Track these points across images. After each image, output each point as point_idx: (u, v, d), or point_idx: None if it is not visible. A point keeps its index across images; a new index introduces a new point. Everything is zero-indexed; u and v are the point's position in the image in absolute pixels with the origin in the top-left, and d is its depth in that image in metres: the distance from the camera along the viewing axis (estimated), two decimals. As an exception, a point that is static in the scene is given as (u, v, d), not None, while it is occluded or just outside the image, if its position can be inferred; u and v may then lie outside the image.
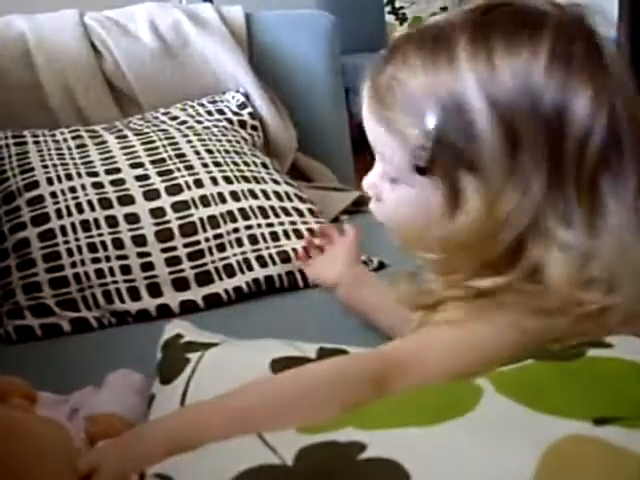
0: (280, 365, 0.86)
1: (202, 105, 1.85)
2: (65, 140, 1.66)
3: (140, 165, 1.57)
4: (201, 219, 1.49)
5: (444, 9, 4.94)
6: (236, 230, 1.49)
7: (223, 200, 1.52)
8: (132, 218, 1.47)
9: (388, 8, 4.99)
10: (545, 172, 0.79)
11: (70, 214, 1.46)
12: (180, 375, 0.88)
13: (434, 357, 0.81)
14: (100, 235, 1.44)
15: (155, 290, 1.42)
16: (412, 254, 0.88)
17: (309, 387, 0.77)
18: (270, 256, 1.48)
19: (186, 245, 1.46)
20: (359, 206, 1.84)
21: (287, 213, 1.56)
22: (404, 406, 0.64)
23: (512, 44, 0.81)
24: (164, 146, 1.63)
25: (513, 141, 0.79)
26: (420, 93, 0.83)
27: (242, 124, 1.82)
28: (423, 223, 0.86)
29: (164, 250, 1.45)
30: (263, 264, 1.47)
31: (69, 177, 1.53)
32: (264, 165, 1.67)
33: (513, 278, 0.81)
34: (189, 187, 1.53)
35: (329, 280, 1.28)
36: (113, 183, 1.53)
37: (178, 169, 1.57)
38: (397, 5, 4.97)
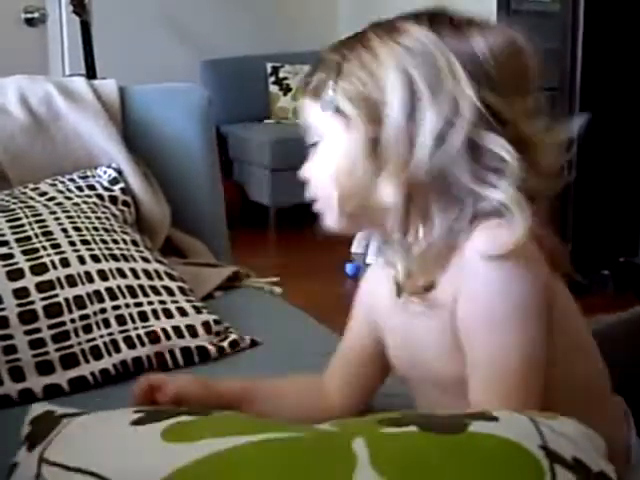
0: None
1: (73, 180, 1.82)
2: None
3: (4, 243, 1.52)
4: (67, 299, 1.45)
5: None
6: (103, 310, 1.46)
7: (90, 279, 1.49)
8: (-7, 299, 1.42)
9: (272, 78, 5.05)
10: None
11: None
12: (45, 439, 0.83)
13: None
14: (-41, 318, 1.39)
15: (17, 374, 1.37)
16: None
17: None
18: (138, 337, 1.45)
19: (51, 327, 1.41)
20: (234, 281, 1.83)
21: (156, 292, 1.53)
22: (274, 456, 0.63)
23: None
24: (30, 223, 1.58)
25: None
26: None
27: (113, 200, 1.79)
28: None
29: (27, 332, 1.40)
30: (131, 345, 1.43)
31: None
32: (134, 242, 1.64)
33: None
34: (55, 266, 1.49)
35: None
36: (-26, 263, 1.47)
37: (44, 247, 1.52)
38: (281, 76, 5.04)
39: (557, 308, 0.97)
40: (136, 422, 0.79)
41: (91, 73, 3.52)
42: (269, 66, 5.04)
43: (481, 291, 0.93)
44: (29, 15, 3.69)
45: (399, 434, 0.70)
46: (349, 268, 3.79)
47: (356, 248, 4.07)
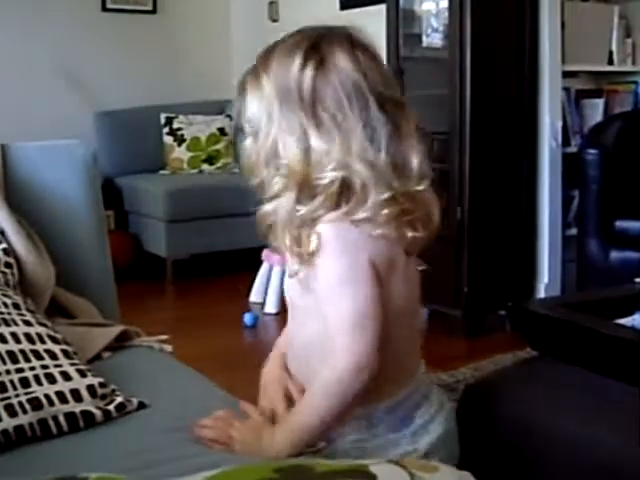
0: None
1: (-49, 243, 1.76)
2: None
3: None
4: (-57, 368, 1.39)
5: (221, 130, 5.04)
6: (-18, 378, 1.40)
7: (-32, 347, 1.44)
8: None
9: (166, 129, 5.03)
10: None
11: None
12: None
13: None
14: None
15: None
16: None
17: None
18: (20, 404, 1.39)
19: None
20: (122, 341, 1.79)
21: (39, 356, 1.48)
22: None
23: None
24: None
25: None
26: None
27: (-6, 262, 1.74)
28: None
29: None
30: (12, 413, 1.38)
31: None
32: (15, 306, 1.59)
33: None
34: None
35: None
36: None
37: None
38: (175, 127, 5.02)
39: (392, 281, 1.32)
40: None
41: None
42: (163, 117, 5.01)
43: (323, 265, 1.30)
44: None
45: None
46: (247, 318, 3.76)
47: (254, 298, 4.07)
